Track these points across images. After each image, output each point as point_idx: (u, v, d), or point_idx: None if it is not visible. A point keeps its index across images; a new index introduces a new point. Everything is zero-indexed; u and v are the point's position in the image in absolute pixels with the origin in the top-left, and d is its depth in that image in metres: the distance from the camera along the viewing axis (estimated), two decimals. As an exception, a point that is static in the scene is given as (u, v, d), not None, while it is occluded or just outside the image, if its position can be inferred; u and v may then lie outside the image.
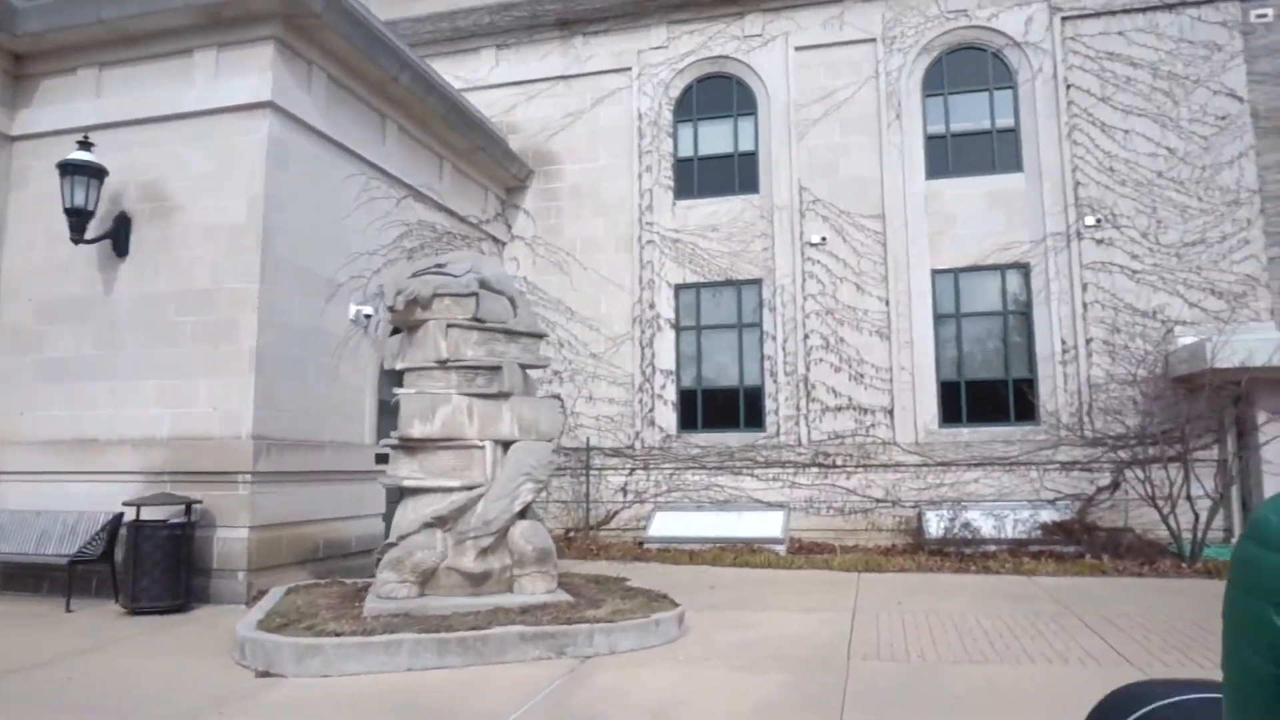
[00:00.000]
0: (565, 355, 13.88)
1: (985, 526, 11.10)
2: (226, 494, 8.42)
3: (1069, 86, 12.34)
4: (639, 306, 13.64)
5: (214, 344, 8.67)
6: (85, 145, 8.70)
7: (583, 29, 14.19)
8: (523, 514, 7.34)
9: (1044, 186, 12.30)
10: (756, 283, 13.34)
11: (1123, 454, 11.19)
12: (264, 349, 8.67)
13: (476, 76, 14.54)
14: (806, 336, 12.89)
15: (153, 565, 7.82)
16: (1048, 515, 11.29)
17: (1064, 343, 12.02)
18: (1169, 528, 10.31)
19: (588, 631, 6.28)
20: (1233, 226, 11.66)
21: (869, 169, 12.90)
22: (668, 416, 13.48)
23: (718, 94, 13.90)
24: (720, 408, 13.45)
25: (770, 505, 12.56)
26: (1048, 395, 12.07)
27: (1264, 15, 11.99)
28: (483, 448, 7.30)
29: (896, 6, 13.08)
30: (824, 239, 12.94)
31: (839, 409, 12.73)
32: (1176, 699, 1.26)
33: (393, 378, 7.70)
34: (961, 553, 10.66)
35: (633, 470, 13.37)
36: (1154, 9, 12.22)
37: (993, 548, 10.80)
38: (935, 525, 11.35)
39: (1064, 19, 12.47)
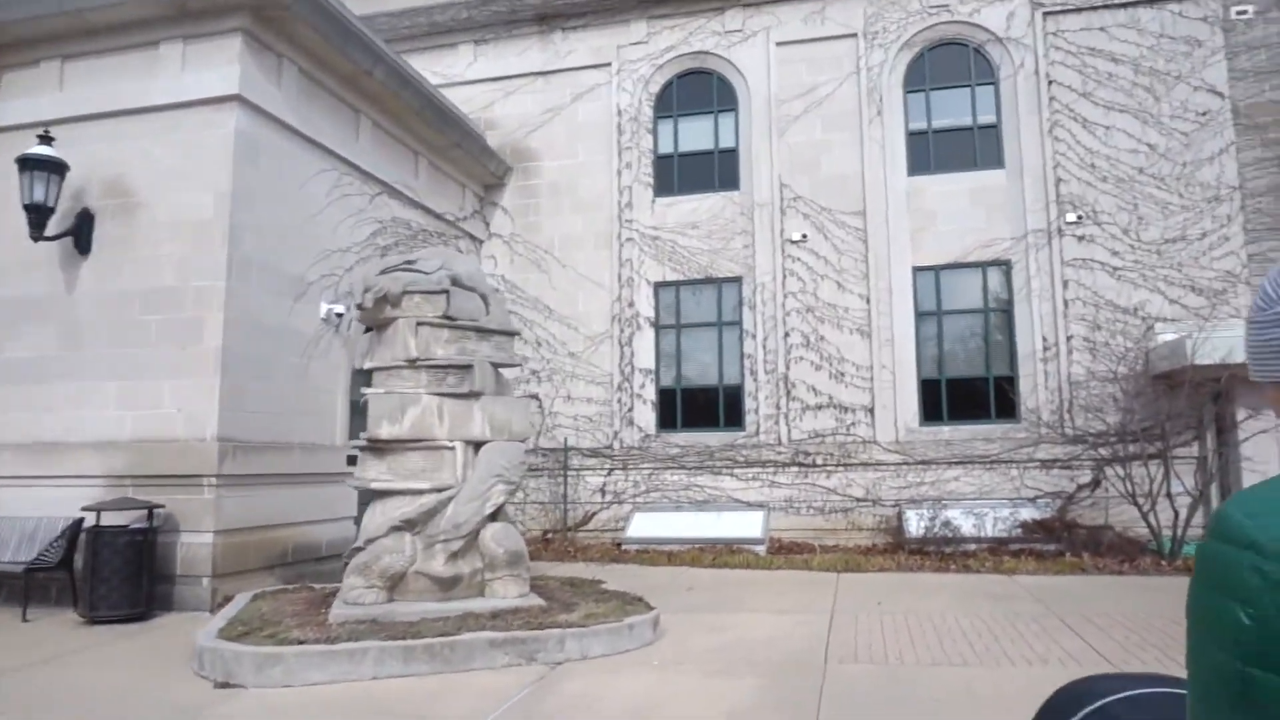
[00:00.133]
0: (543, 354, 13.71)
1: (965, 525, 11.01)
2: (191, 498, 8.20)
3: (1050, 82, 12.28)
4: (618, 305, 13.48)
5: (179, 344, 8.45)
6: (45, 139, 8.46)
7: (562, 24, 14.02)
8: (494, 516, 7.17)
9: (1025, 183, 12.23)
10: (737, 280, 13.21)
11: (1103, 451, 11.13)
12: (230, 348, 8.46)
13: (454, 72, 14.34)
14: (787, 335, 12.77)
15: (112, 573, 7.58)
16: (1028, 513, 11.22)
17: (1045, 340, 11.95)
18: (1149, 525, 10.25)
19: (559, 636, 6.12)
20: (1213, 223, 11.62)
21: (850, 165, 12.80)
22: (647, 416, 13.33)
23: (698, 90, 13.76)
24: (700, 407, 13.31)
25: (750, 505, 12.44)
26: (1028, 393, 12.00)
27: (1244, 12, 11.96)
28: (453, 449, 7.13)
29: (878, 1, 12.98)
30: (805, 236, 12.82)
31: (819, 407, 12.61)
32: (1126, 694, 1.25)
33: (365, 378, 7.51)
34: (942, 552, 10.57)
35: (611, 471, 13.21)
36: (1135, 4, 12.17)
37: (973, 546, 10.72)
38: (915, 524, 11.26)
39: (1046, 14, 12.41)
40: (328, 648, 5.82)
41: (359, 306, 7.29)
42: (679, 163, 13.74)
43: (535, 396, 13.65)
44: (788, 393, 12.69)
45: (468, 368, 7.18)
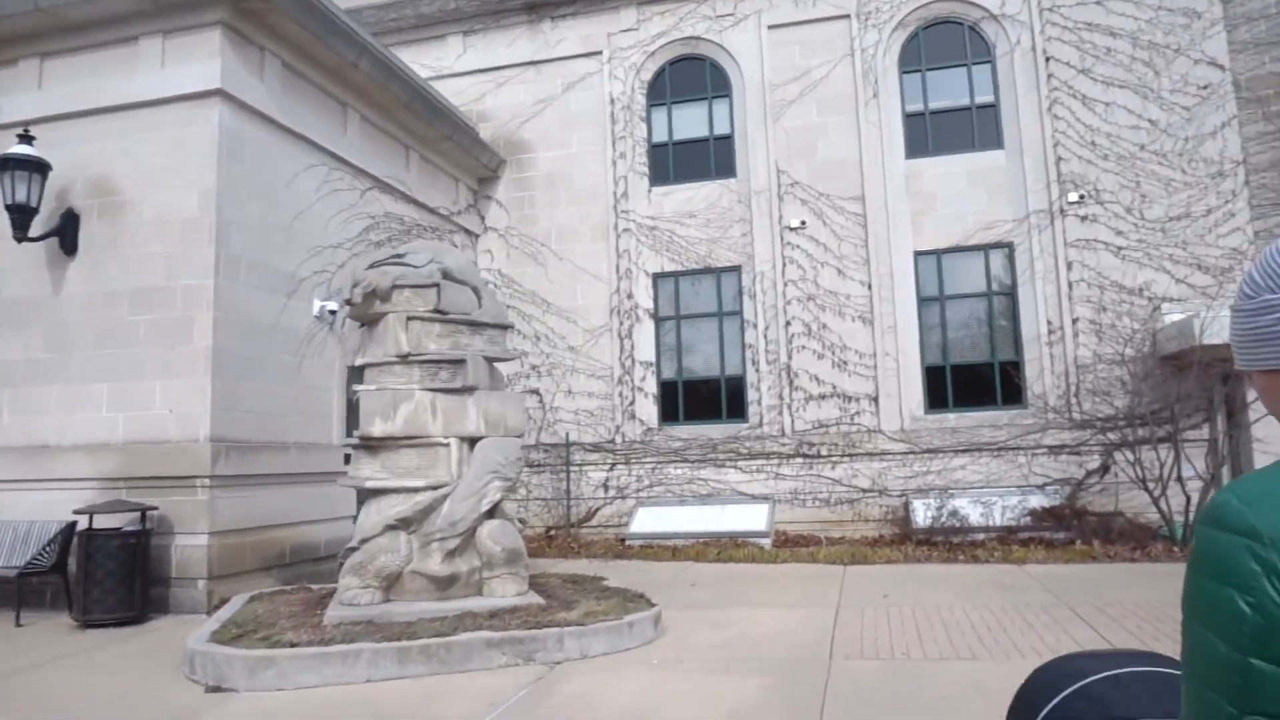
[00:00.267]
0: (542, 349, 13.55)
1: (973, 514, 10.85)
2: (184, 499, 8.07)
3: (1048, 59, 12.06)
4: (616, 297, 13.31)
5: (169, 344, 8.30)
6: (26, 139, 8.30)
7: (551, 12, 13.83)
8: (491, 513, 7.03)
9: (1025, 163, 12.03)
10: (736, 269, 13.03)
11: (1112, 436, 10.95)
12: (221, 348, 8.31)
13: (444, 64, 14.16)
14: (788, 323, 12.60)
15: (105, 576, 7.46)
16: (1037, 501, 11.05)
17: (1050, 323, 11.77)
18: (1160, 510, 10.08)
19: (557, 635, 5.98)
20: (1218, 199, 11.42)
21: (847, 149, 12.60)
22: (648, 409, 13.18)
23: (691, 76, 13.57)
24: (702, 399, 13.15)
25: (755, 498, 12.28)
26: (1034, 377, 11.82)
27: (1244, -17, 11.74)
28: (447, 445, 6.99)
29: (871, -18, 12.79)
30: (803, 223, 12.64)
31: (823, 397, 12.45)
32: (1108, 674, 1.24)
33: (359, 375, 7.37)
34: (949, 542, 10.42)
35: (614, 465, 13.07)
36: (1133, -24, 11.96)
37: (981, 536, 10.56)
38: (922, 514, 11.10)
39: (1041, -11, 12.21)
40: (321, 650, 5.68)
41: (348, 302, 7.13)
42: (674, 151, 13.55)
43: (535, 392, 13.50)
44: (790, 383, 12.52)
45: (460, 362, 7.03)
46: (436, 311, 7.08)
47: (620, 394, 13.15)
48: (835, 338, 12.42)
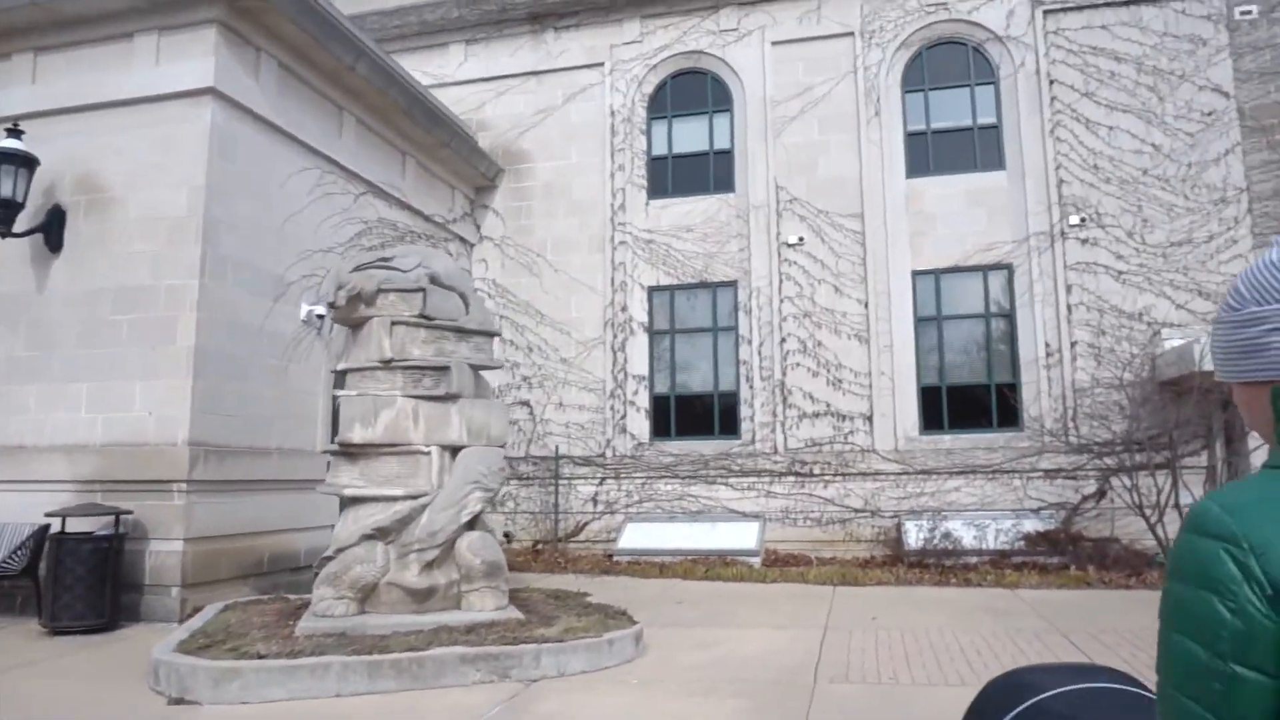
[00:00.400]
0: (535, 360, 13.41)
1: (967, 537, 10.67)
2: (160, 504, 7.90)
3: (1051, 81, 11.99)
4: (611, 309, 13.18)
5: (151, 344, 8.16)
6: (15, 133, 8.18)
7: (554, 23, 13.77)
8: (471, 525, 6.87)
9: (1027, 184, 11.93)
10: (732, 285, 12.91)
11: (1109, 461, 10.79)
12: (205, 349, 8.17)
13: (445, 72, 14.10)
14: (783, 340, 12.46)
15: (75, 581, 7.28)
16: (1031, 525, 10.87)
17: (1048, 346, 11.63)
18: (1156, 537, 9.90)
19: (534, 652, 5.80)
20: (1220, 225, 11.31)
21: (848, 167, 12.51)
22: (640, 424, 13.02)
23: (693, 90, 13.50)
24: (694, 414, 13.00)
25: (745, 516, 12.10)
26: (1031, 400, 11.67)
27: (1248, 12, 11.69)
28: (429, 454, 6.83)
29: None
30: (801, 239, 12.53)
31: (816, 415, 12.29)
32: (1062, 689, 1.23)
33: (342, 380, 7.22)
34: (942, 564, 10.24)
35: (603, 480, 12.89)
36: (1138, 2, 11.90)
37: (974, 559, 10.38)
38: (915, 536, 10.92)
39: (1046, 12, 12.14)
40: (289, 663, 5.51)
41: (331, 305, 7.00)
42: (673, 164, 13.46)
43: (526, 403, 13.35)
44: (784, 400, 12.37)
45: (444, 369, 6.89)
46: (422, 317, 6.94)
47: (612, 407, 12.99)
48: (830, 355, 12.28)
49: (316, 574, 6.73)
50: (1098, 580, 9.24)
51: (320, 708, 5.14)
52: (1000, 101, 12.36)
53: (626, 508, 12.67)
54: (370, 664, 5.53)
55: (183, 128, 8.32)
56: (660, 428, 13.03)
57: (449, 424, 6.90)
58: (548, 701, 5.17)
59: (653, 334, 13.19)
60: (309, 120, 9.75)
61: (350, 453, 6.82)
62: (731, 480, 12.40)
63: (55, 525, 7.60)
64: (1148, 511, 9.94)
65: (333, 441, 7.08)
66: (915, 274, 12.27)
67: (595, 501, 12.86)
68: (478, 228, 13.91)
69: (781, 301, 12.50)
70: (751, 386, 12.58)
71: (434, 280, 7.12)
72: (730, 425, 12.77)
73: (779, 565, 10.91)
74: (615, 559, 11.51)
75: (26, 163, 8.15)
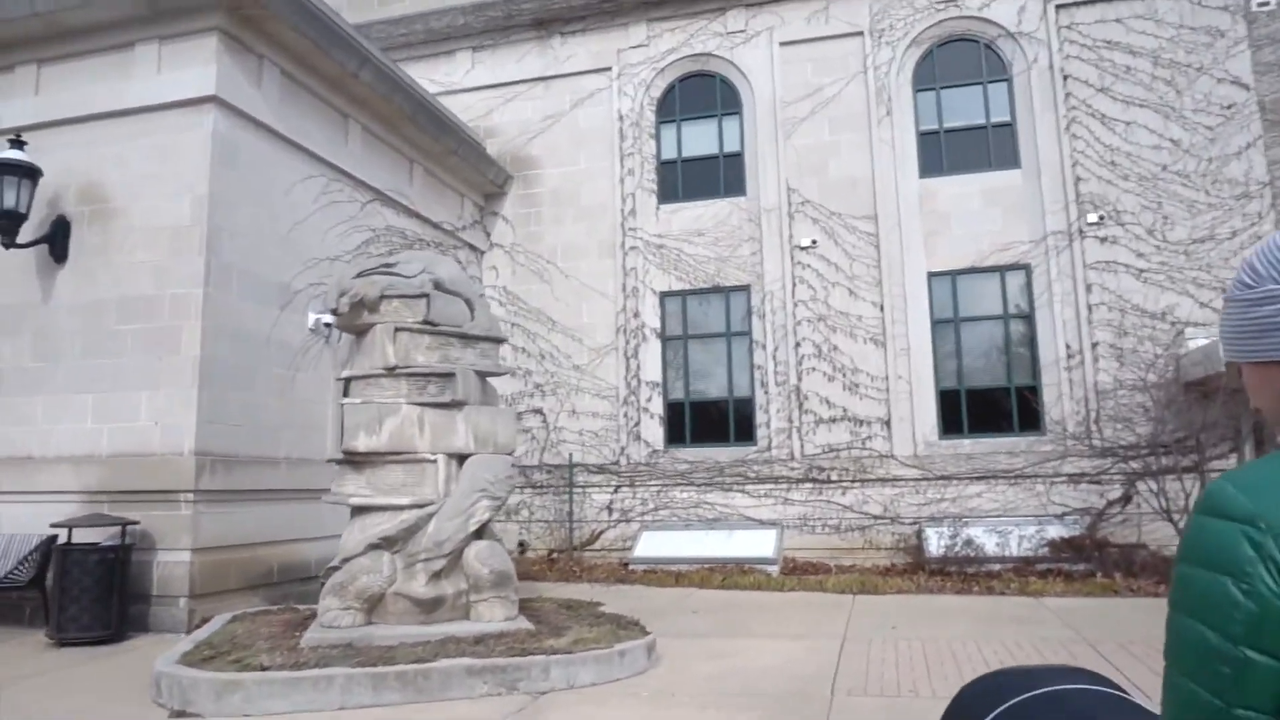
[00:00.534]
0: (547, 367, 13.28)
1: (989, 544, 10.43)
2: (167, 514, 7.81)
3: (1066, 77, 11.77)
4: (623, 315, 13.05)
5: (156, 354, 8.08)
6: (17, 143, 8.15)
7: (560, 29, 13.70)
8: (479, 534, 6.72)
9: (1043, 183, 11.71)
10: (745, 289, 12.75)
11: (1134, 465, 10.53)
12: (210, 359, 8.08)
13: (452, 80, 14.04)
14: (798, 345, 12.28)
15: (81, 592, 7.18)
16: (1055, 531, 10.61)
17: (1069, 347, 11.38)
18: (1185, 542, 9.61)
19: (543, 664, 5.64)
20: (1243, 221, 11.05)
21: (860, 168, 12.33)
22: (654, 431, 12.86)
23: (701, 93, 13.37)
24: (709, 421, 12.82)
25: (762, 523, 11.90)
26: (1052, 403, 11.42)
27: (1266, 4, 11.44)
28: (435, 462, 6.69)
29: (884, -2, 12.58)
30: (814, 242, 12.35)
31: (833, 420, 12.09)
32: (1041, 691, 1.22)
33: (347, 388, 7.11)
34: (964, 572, 10.00)
35: (618, 488, 12.73)
36: (1153, -6, 11.69)
37: (997, 566, 10.13)
38: (936, 543, 10.68)
39: (1058, 7, 11.92)
40: (292, 675, 5.37)
41: (334, 312, 6.89)
42: (683, 168, 13.33)
43: (539, 411, 13.23)
44: (800, 405, 12.18)
45: (450, 375, 6.75)
46: (426, 323, 6.82)
47: (625, 414, 12.84)
48: (846, 359, 12.09)
49: (322, 584, 6.61)
50: (1125, 588, 8.98)
51: (323, 722, 5.00)
52: (1014, 98, 12.16)
53: (642, 516, 12.51)
54: (375, 676, 5.39)
55: (185, 136, 8.26)
56: (675, 435, 12.87)
57: (455, 431, 6.76)
58: (556, 715, 5.01)
59: (665, 340, 13.05)
60: (313, 128, 9.68)
61: (355, 461, 6.70)
62: (748, 487, 12.21)
63: (62, 537, 7.52)
64: (1176, 516, 9.68)
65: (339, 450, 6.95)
66: (931, 275, 12.06)
67: (610, 510, 12.70)
68: (487, 234, 13.82)
69: (795, 305, 12.33)
70: (766, 392, 12.40)
71: (438, 286, 7.00)
72: (746, 432, 12.59)
73: (797, 573, 10.71)
74: (630, 568, 11.34)
75: (29, 173, 8.11)
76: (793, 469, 12.07)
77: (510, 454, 7.05)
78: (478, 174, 13.12)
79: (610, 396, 12.98)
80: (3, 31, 8.64)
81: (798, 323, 12.31)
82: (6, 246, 8.15)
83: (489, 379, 7.26)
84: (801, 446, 12.11)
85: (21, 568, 7.67)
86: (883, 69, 12.42)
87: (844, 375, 12.09)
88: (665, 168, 13.37)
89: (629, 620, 6.92)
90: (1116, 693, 1.28)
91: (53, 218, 8.52)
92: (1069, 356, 11.37)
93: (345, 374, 6.95)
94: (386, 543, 6.49)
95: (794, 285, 12.37)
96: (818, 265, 12.33)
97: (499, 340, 7.38)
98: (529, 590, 9.36)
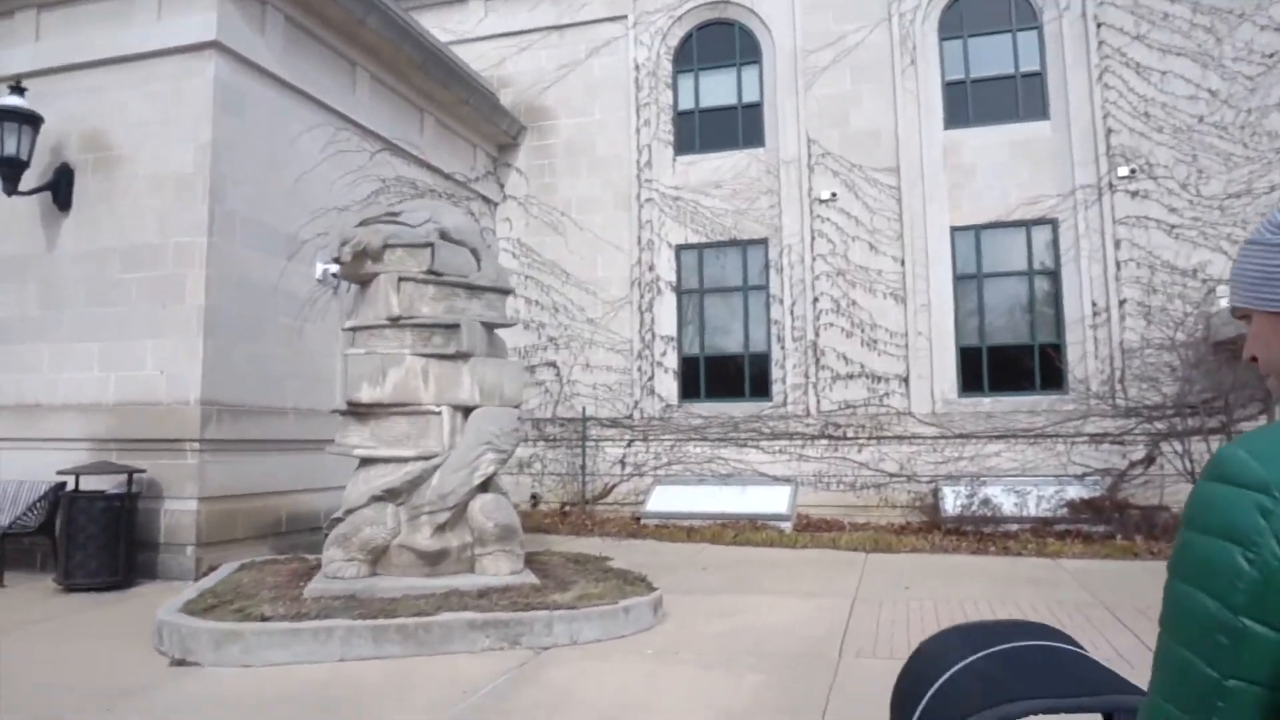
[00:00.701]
0: (561, 320, 13.13)
1: (1006, 504, 10.25)
2: (174, 463, 7.78)
3: (1099, 24, 11.28)
4: (638, 269, 12.83)
5: (161, 302, 8.00)
6: (17, 90, 8.00)
7: (575, -27, 13.30)
8: (485, 487, 6.63)
9: (1072, 135, 11.29)
10: (762, 242, 12.47)
11: (1159, 425, 10.27)
12: (215, 308, 7.99)
13: (465, 28, 13.70)
14: (816, 299, 12.03)
15: (88, 539, 7.20)
16: (1075, 492, 10.40)
17: (1095, 305, 11.06)
18: (1208, 505, 9.39)
19: (546, 619, 5.56)
20: (1282, 175, 10.63)
21: (882, 119, 11.95)
22: (668, 385, 12.71)
23: (719, 42, 12.97)
24: (724, 376, 12.65)
25: (776, 479, 11.78)
26: (1076, 361, 11.14)
27: (1317, -54, 10.86)
28: (439, 414, 6.58)
29: (912, -58, 12.07)
30: (834, 195, 12.03)
31: (850, 377, 11.88)
32: (998, 649, 1.22)
33: (352, 339, 7.00)
34: (980, 532, 9.85)
35: (631, 442, 12.63)
36: (1195, -65, 11.13)
37: (1014, 527, 9.97)
38: (952, 502, 10.52)
39: (1094, -51, 11.41)
40: (292, 625, 5.33)
41: (336, 260, 6.75)
42: (700, 119, 13.00)
43: (553, 364, 13.11)
44: (817, 361, 11.97)
45: (454, 327, 6.61)
46: (431, 273, 6.66)
47: (640, 368, 12.69)
48: (865, 315, 11.84)
49: (326, 535, 6.56)
50: (1145, 551, 8.79)
51: (321, 672, 4.95)
52: (1044, 47, 11.69)
53: (655, 470, 12.42)
54: (375, 628, 5.33)
55: (187, 83, 8.07)
56: (689, 389, 12.72)
57: (460, 383, 6.63)
58: (556, 671, 4.93)
59: (681, 293, 12.84)
60: (320, 76, 9.46)
61: (359, 413, 6.60)
62: (762, 443, 12.07)
63: (70, 484, 7.52)
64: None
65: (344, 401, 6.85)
66: (954, 230, 11.74)
67: (623, 464, 12.61)
68: (501, 186, 13.59)
69: (814, 259, 12.06)
70: (783, 347, 12.20)
71: (444, 235, 6.83)
72: (761, 387, 12.42)
73: (810, 530, 10.60)
74: (643, 522, 11.28)
75: (30, 120, 7.98)
76: (808, 425, 11.90)
77: (517, 407, 6.92)
78: (490, 124, 12.85)
79: (624, 350, 12.82)
80: (2, -27, 8.45)
81: (816, 277, 12.05)
82: (8, 194, 8.04)
83: (496, 330, 7.11)
84: (818, 402, 11.93)
85: (30, 514, 7.69)
86: (907, 16, 11.96)
87: (862, 331, 11.85)
88: (682, 118, 13.04)
89: (636, 576, 6.84)
90: (1074, 649, 1.26)
91: (56, 165, 8.40)
92: (1095, 314, 11.06)
93: (349, 324, 6.83)
94: (390, 495, 6.41)
95: (813, 239, 12.08)
96: (837, 219, 12.02)
97: (506, 291, 7.21)
98: (539, 544, 9.32)
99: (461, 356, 6.63)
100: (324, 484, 9.13)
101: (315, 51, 9.40)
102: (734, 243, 12.62)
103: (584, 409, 12.78)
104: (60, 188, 8.30)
